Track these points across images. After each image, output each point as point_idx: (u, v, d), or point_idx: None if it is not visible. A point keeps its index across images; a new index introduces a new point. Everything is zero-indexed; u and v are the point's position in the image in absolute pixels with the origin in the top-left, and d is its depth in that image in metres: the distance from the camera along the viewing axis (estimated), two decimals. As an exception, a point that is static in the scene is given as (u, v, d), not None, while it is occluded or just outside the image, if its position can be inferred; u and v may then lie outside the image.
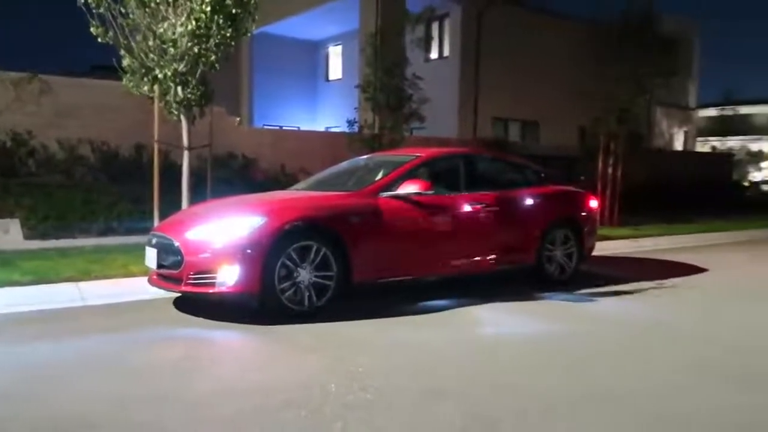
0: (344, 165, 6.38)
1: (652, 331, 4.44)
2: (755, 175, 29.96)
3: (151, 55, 6.36)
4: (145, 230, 5.98)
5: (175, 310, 4.73)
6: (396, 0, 14.96)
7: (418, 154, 5.66)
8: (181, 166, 6.81)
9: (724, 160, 23.41)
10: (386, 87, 10.96)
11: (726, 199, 17.98)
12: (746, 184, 23.56)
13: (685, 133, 25.28)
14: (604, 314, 4.94)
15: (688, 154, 23.60)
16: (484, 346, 4.05)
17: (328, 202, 4.90)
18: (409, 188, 5.01)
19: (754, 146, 33.22)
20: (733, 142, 31.86)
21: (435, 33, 17.93)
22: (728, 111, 30.80)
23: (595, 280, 6.17)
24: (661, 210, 13.93)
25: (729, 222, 13.08)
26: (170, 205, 6.74)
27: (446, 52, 17.86)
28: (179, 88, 6.46)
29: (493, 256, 5.54)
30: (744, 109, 34.20)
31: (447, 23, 17.68)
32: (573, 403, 2.97)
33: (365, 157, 6.60)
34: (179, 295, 4.90)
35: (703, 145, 32.18)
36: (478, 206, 5.46)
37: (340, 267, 4.59)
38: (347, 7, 16.45)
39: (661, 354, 3.85)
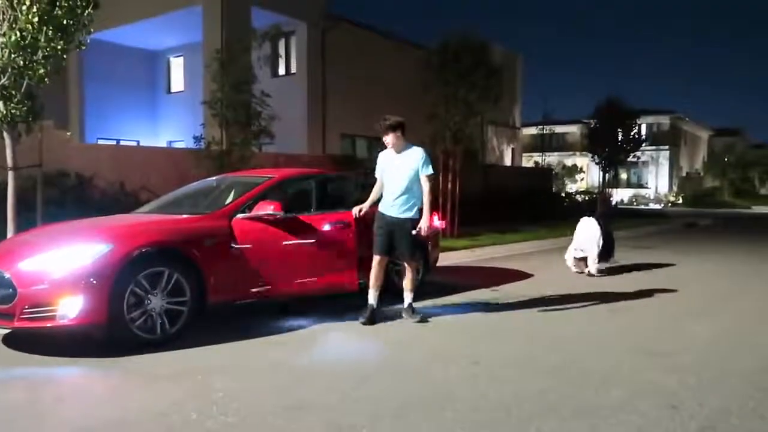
0: (194, 186, 6.25)
1: (486, 333, 4.97)
2: (571, 187, 33.90)
3: (-35, 66, 5.74)
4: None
5: (5, 349, 4.32)
6: (240, 16, 14.86)
7: (271, 175, 5.74)
8: (-3, 185, 6.19)
9: (545, 174, 26.25)
10: (234, 103, 10.84)
11: (548, 209, 20.21)
12: (563, 195, 26.57)
13: (513, 149, 27.95)
14: (445, 321, 5.39)
15: (516, 168, 26.11)
16: (338, 360, 4.25)
17: (180, 226, 4.80)
18: (262, 210, 5.07)
19: (569, 161, 37.71)
20: (551, 158, 35.86)
21: (282, 50, 18.02)
22: (547, 130, 34.60)
23: (438, 290, 6.68)
24: (494, 221, 15.32)
25: (550, 230, 14.73)
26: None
27: (293, 69, 18.03)
28: (1, 103, 5.91)
29: (341, 274, 5.69)
30: (559, 128, 38.68)
31: (293, 41, 17.86)
32: (425, 405, 3.27)
33: (216, 177, 6.52)
34: (8, 331, 4.49)
35: (528, 161, 35.81)
36: (331, 225, 5.66)
37: (194, 291, 4.52)
38: (188, 18, 15.93)
39: (489, 352, 4.33)
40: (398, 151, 5.22)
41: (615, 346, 4.60)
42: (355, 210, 5.39)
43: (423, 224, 5.13)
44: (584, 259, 8.20)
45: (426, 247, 6.69)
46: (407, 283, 5.36)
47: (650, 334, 4.97)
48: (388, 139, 5.19)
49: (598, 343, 4.70)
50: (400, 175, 5.15)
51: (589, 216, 8.49)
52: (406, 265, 5.36)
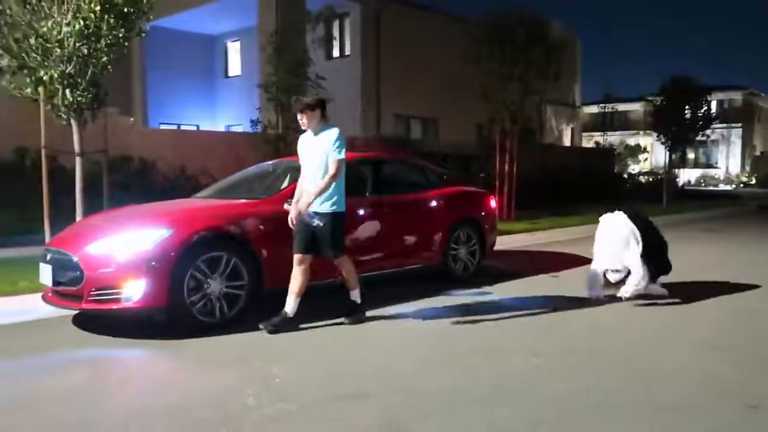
0: (251, 170, 6.29)
1: (546, 323, 4.79)
2: (633, 168, 32.61)
3: (34, 55, 5.95)
4: (33, 242, 5.59)
5: (75, 329, 4.48)
6: (295, -1, 14.85)
7: (326, 159, 5.69)
8: (68, 169, 6.42)
9: (606, 154, 25.30)
10: (289, 87, 10.88)
11: (610, 191, 19.47)
12: (625, 176, 25.58)
13: (572, 129, 27.06)
14: (503, 310, 5.23)
15: (575, 149, 25.28)
16: (399, 349, 4.18)
17: (237, 211, 4.82)
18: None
19: (632, 140, 36.22)
20: (613, 138, 34.57)
21: (336, 32, 17.98)
22: (608, 109, 33.31)
23: (496, 276, 6.52)
24: (553, 203, 14.88)
25: (612, 212, 14.17)
26: (60, 213, 6.35)
27: (347, 51, 17.97)
28: (68, 91, 6.09)
29: (400, 257, 5.72)
30: (621, 107, 37.13)
31: (347, 22, 17.77)
32: (482, 400, 3.17)
33: (272, 162, 6.54)
34: (77, 312, 4.65)
35: (588, 141, 34.63)
36: (386, 209, 5.60)
37: (252, 276, 4.55)
38: (244, 1, 16.08)
39: (549, 344, 4.16)
40: (315, 133, 4.48)
41: (680, 340, 4.34)
42: (291, 216, 4.45)
43: (301, 206, 4.38)
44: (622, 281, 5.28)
45: (483, 232, 6.55)
46: (346, 276, 4.68)
47: (718, 329, 4.67)
48: (303, 119, 4.46)
49: (663, 336, 4.45)
50: (314, 161, 4.45)
51: (615, 211, 5.40)
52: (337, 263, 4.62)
